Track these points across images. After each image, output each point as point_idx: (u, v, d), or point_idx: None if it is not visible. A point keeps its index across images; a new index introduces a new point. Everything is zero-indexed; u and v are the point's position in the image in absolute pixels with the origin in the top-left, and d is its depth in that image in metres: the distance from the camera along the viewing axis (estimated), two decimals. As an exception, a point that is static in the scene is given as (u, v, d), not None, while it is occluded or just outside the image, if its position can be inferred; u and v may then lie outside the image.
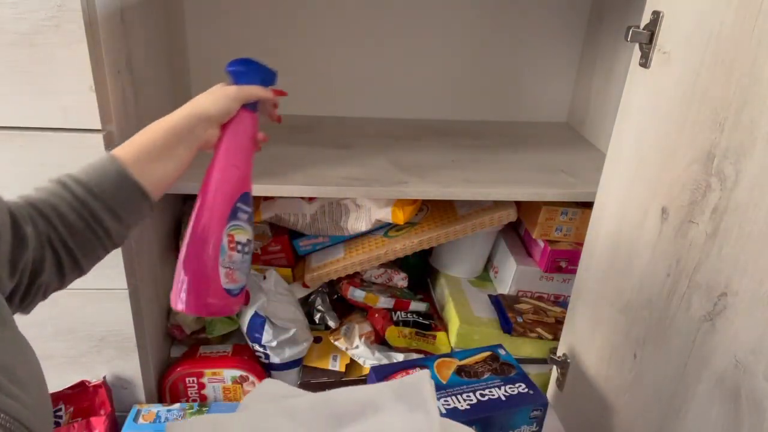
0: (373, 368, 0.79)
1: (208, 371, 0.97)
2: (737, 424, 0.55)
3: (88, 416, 0.87)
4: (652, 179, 0.69)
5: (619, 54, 1.08)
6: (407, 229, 1.07)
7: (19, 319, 0.52)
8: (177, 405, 0.91)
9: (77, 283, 0.60)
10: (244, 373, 0.97)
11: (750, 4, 0.53)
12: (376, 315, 1.05)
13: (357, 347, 0.99)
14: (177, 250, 1.05)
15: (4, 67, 0.68)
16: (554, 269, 1.07)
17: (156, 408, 0.90)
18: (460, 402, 0.72)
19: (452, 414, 0.70)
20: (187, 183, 0.74)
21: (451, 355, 0.82)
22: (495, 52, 1.23)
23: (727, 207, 0.56)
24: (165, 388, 0.97)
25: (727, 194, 0.56)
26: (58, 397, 0.88)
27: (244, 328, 0.98)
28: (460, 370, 0.78)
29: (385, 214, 1.02)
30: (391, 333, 1.03)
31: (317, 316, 1.07)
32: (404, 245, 1.04)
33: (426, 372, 0.57)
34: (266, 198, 1.07)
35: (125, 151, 0.60)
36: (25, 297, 0.52)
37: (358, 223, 1.07)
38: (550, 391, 0.97)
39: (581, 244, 0.87)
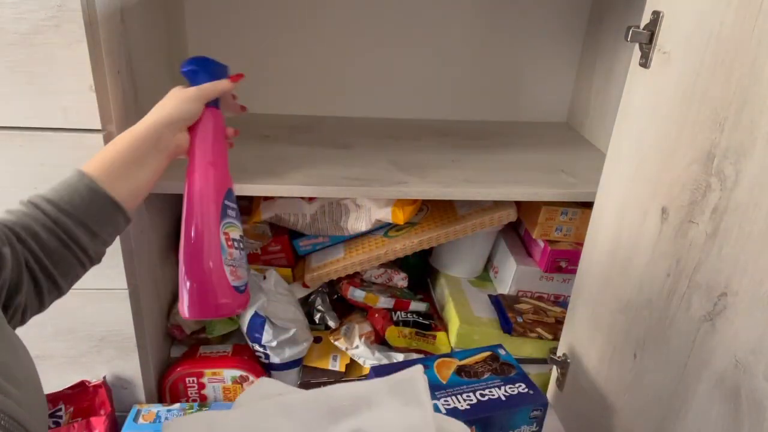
0: (373, 368, 0.79)
1: (208, 371, 0.97)
2: (737, 424, 0.55)
3: (88, 416, 0.87)
4: (652, 179, 0.69)
5: (619, 54, 1.08)
6: (407, 229, 1.07)
7: (19, 319, 0.52)
8: (177, 405, 0.91)
9: (77, 283, 0.60)
10: (244, 373, 0.97)
11: (750, 4, 0.53)
12: (376, 315, 1.05)
13: (357, 347, 0.99)
14: (177, 250, 1.04)
15: (4, 67, 0.68)
16: (554, 269, 1.07)
17: (156, 408, 0.90)
18: (460, 402, 0.72)
19: (452, 414, 0.70)
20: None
21: (451, 355, 0.82)
22: (495, 52, 1.23)
23: (727, 207, 0.56)
24: (165, 388, 0.97)
25: (727, 194, 0.56)
26: (58, 397, 0.88)
27: (244, 328, 0.98)
28: (460, 370, 0.78)
29: (385, 214, 1.02)
30: (391, 333, 1.03)
31: (317, 316, 1.07)
32: (404, 245, 1.04)
33: (419, 367, 0.57)
34: (266, 198, 1.07)
35: (93, 165, 0.59)
36: None
37: (358, 223, 1.07)
38: (550, 391, 0.97)
39: (581, 244, 0.87)
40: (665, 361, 0.66)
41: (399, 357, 0.98)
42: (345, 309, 1.11)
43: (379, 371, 0.77)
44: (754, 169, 0.53)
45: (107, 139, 0.74)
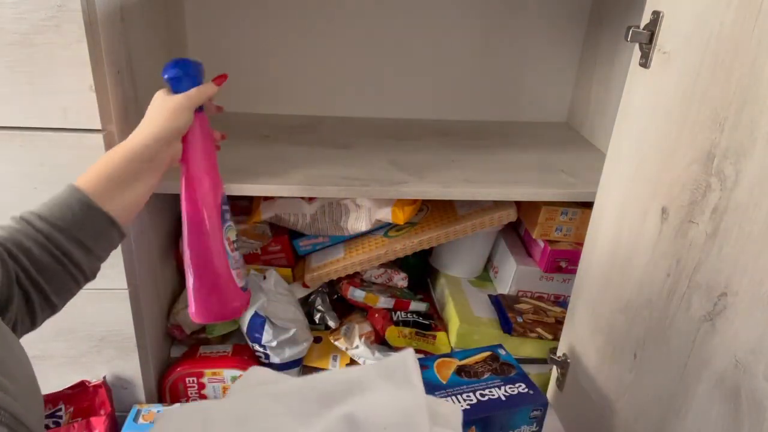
0: None
1: (208, 371, 0.97)
2: (737, 424, 0.55)
3: (88, 416, 0.87)
4: (652, 179, 0.69)
5: (619, 54, 1.08)
6: (407, 229, 1.07)
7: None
8: (177, 405, 0.91)
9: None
10: (243, 373, 0.97)
11: (750, 4, 0.53)
12: (376, 315, 1.05)
13: (357, 347, 0.99)
14: (177, 249, 1.05)
15: (4, 67, 0.68)
16: (554, 269, 1.07)
17: (156, 408, 0.90)
18: (460, 402, 0.72)
19: (452, 414, 0.70)
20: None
21: (451, 355, 0.82)
22: (495, 53, 1.23)
23: (727, 207, 0.56)
24: (165, 388, 0.97)
25: (727, 194, 0.56)
26: (58, 397, 0.88)
27: (244, 328, 0.98)
28: (460, 370, 0.78)
29: (385, 214, 1.02)
30: (391, 333, 1.03)
31: (317, 316, 1.07)
32: (404, 245, 1.04)
33: (410, 350, 0.57)
34: (266, 198, 1.07)
35: (87, 180, 0.58)
36: None
37: (358, 223, 1.07)
38: (550, 391, 0.97)
39: (581, 244, 0.87)
40: (665, 361, 0.66)
41: (399, 357, 0.98)
42: (345, 309, 1.11)
43: None
44: (754, 169, 0.53)
45: (107, 139, 0.74)
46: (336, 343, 1.01)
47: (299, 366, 1.02)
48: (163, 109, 0.66)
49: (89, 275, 0.58)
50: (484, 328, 1.03)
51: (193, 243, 0.69)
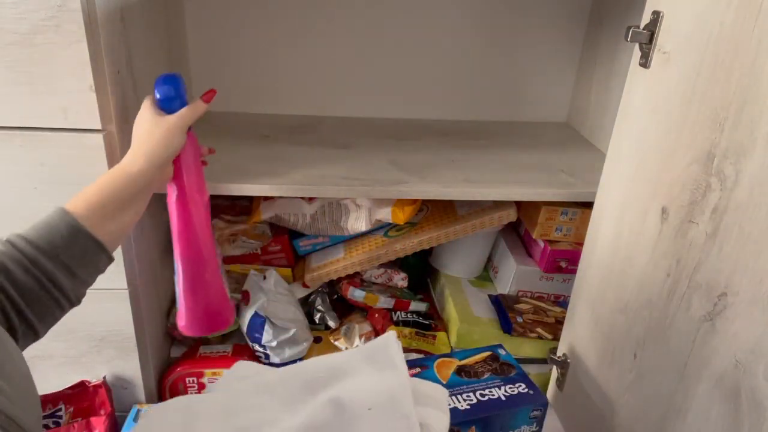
0: None
1: (208, 371, 0.96)
2: (737, 424, 0.55)
3: (88, 416, 0.87)
4: (652, 179, 0.69)
5: (619, 54, 1.08)
6: (407, 229, 1.07)
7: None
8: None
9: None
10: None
11: (750, 4, 0.53)
12: (376, 315, 1.05)
13: (357, 347, 0.99)
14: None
15: (4, 67, 0.68)
16: (554, 269, 1.07)
17: (158, 405, 0.90)
18: (460, 402, 0.72)
19: (452, 414, 0.70)
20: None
21: (451, 355, 0.82)
22: (495, 53, 1.23)
23: (727, 207, 0.56)
24: (165, 388, 0.97)
25: (727, 194, 0.56)
26: (58, 397, 0.88)
27: (244, 328, 0.98)
28: (460, 370, 0.78)
29: (385, 214, 1.02)
30: (391, 333, 1.03)
31: (317, 316, 1.07)
32: (404, 245, 1.04)
33: (392, 333, 0.57)
34: (266, 198, 1.07)
35: (78, 203, 0.57)
36: None
37: (358, 223, 1.07)
38: (550, 391, 0.97)
39: (581, 244, 0.87)
40: (665, 361, 0.66)
41: (399, 357, 0.98)
42: (345, 309, 1.11)
43: None
44: (754, 169, 0.53)
45: (107, 139, 0.74)
46: (336, 343, 1.01)
47: (299, 366, 1.02)
48: (156, 133, 0.64)
49: (74, 300, 0.57)
50: (484, 328, 1.03)
51: (188, 260, 0.69)
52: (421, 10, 1.17)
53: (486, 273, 1.20)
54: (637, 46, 0.71)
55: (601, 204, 0.82)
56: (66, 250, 0.54)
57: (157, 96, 0.68)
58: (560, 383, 0.93)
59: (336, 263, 1.07)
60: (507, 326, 1.02)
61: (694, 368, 0.61)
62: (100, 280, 0.61)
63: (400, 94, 1.25)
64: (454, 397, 0.73)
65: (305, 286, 1.09)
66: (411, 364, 0.80)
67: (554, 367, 0.95)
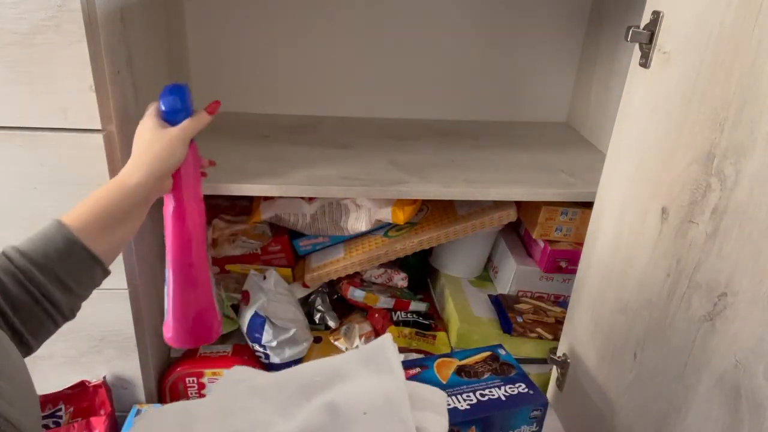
0: None
1: (208, 371, 0.96)
2: (737, 424, 0.55)
3: (88, 416, 0.87)
4: (652, 179, 0.69)
5: (619, 54, 1.08)
6: (407, 229, 1.07)
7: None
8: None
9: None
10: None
11: (750, 4, 0.53)
12: (376, 315, 1.05)
13: (357, 347, 0.99)
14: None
15: (4, 67, 0.68)
16: (554, 269, 1.07)
17: (156, 408, 0.90)
18: (460, 402, 0.72)
19: (452, 414, 0.70)
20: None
21: (451, 355, 0.82)
22: (495, 53, 1.23)
23: (727, 207, 0.56)
24: (165, 388, 0.97)
25: (727, 194, 0.56)
26: (58, 397, 0.88)
27: (244, 328, 0.98)
28: (460, 370, 0.78)
29: (385, 214, 1.02)
30: (391, 333, 1.03)
31: (317, 316, 1.07)
32: (404, 245, 1.04)
33: (388, 335, 0.57)
34: (266, 198, 1.07)
35: (75, 216, 0.56)
36: None
37: (358, 223, 1.07)
38: (550, 391, 0.97)
39: (581, 244, 0.87)
40: (665, 361, 0.66)
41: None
42: (345, 309, 1.11)
43: None
44: (754, 169, 0.53)
45: (107, 139, 0.74)
46: (336, 343, 1.01)
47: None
48: (157, 145, 0.63)
49: (68, 315, 0.56)
50: (484, 328, 1.03)
51: (180, 272, 0.68)
52: (421, 10, 1.17)
53: (486, 273, 1.20)
54: (637, 46, 0.71)
55: (601, 204, 0.82)
56: (61, 264, 0.53)
57: (162, 107, 0.66)
58: (560, 383, 0.93)
59: (336, 263, 1.07)
60: (507, 326, 1.02)
61: (694, 368, 0.61)
62: (101, 281, 0.61)
63: (400, 94, 1.25)
64: (454, 397, 0.73)
65: (305, 286, 1.09)
66: (411, 364, 0.80)
67: (554, 367, 0.95)
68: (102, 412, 0.88)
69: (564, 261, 1.06)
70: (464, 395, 0.73)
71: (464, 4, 1.18)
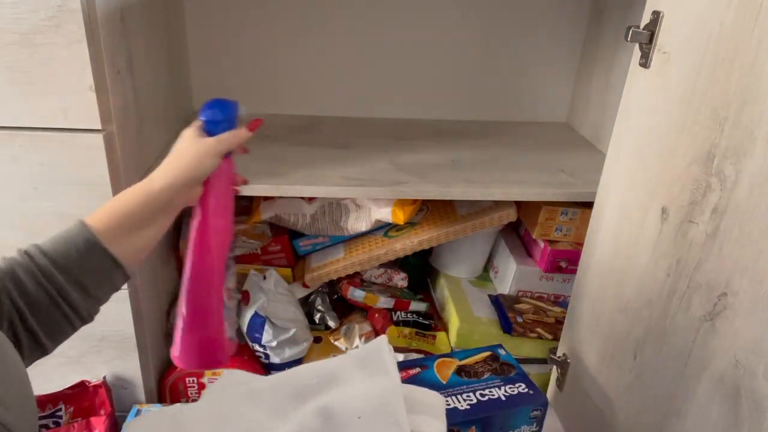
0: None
1: (208, 371, 0.96)
2: (737, 424, 0.55)
3: (88, 416, 0.87)
4: (652, 179, 0.69)
5: (619, 54, 1.08)
6: (407, 229, 1.07)
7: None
8: (177, 405, 0.91)
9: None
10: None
11: (750, 4, 0.53)
12: (376, 315, 1.05)
13: (357, 347, 0.99)
14: (177, 249, 1.05)
15: (4, 67, 0.68)
16: (554, 269, 1.07)
17: (156, 408, 0.90)
18: (460, 402, 0.72)
19: (452, 414, 0.70)
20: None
21: (451, 355, 0.82)
22: (495, 53, 1.23)
23: (727, 207, 0.56)
24: (165, 388, 0.97)
25: (727, 194, 0.56)
26: (58, 397, 0.88)
27: (244, 328, 0.98)
28: (460, 370, 0.78)
29: (385, 214, 1.02)
30: (391, 333, 1.03)
31: (317, 316, 1.07)
32: (404, 245, 1.04)
33: (383, 337, 0.56)
34: (266, 198, 1.07)
35: (99, 218, 0.55)
36: None
37: (358, 223, 1.07)
38: (550, 391, 0.97)
39: (581, 244, 0.87)
40: (665, 361, 0.66)
41: (399, 357, 0.98)
42: (345, 309, 1.11)
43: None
44: (754, 169, 0.53)
45: (107, 139, 0.74)
46: (336, 343, 1.01)
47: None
48: (191, 153, 0.62)
49: (86, 318, 0.55)
50: (484, 328, 1.03)
51: (192, 291, 0.65)
52: (421, 10, 1.17)
53: (486, 273, 1.20)
54: (637, 46, 0.71)
55: (601, 204, 0.82)
56: (81, 265, 0.53)
57: (202, 117, 0.65)
58: (560, 383, 0.93)
59: (336, 263, 1.07)
60: (507, 326, 1.02)
61: (694, 368, 0.61)
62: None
63: (400, 94, 1.25)
64: (454, 397, 0.73)
65: (305, 286, 1.09)
66: (411, 364, 0.80)
67: (554, 367, 0.95)
68: (102, 412, 0.88)
69: (564, 261, 1.06)
70: (464, 395, 0.73)
71: (464, 4, 1.18)
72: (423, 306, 1.10)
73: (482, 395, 0.74)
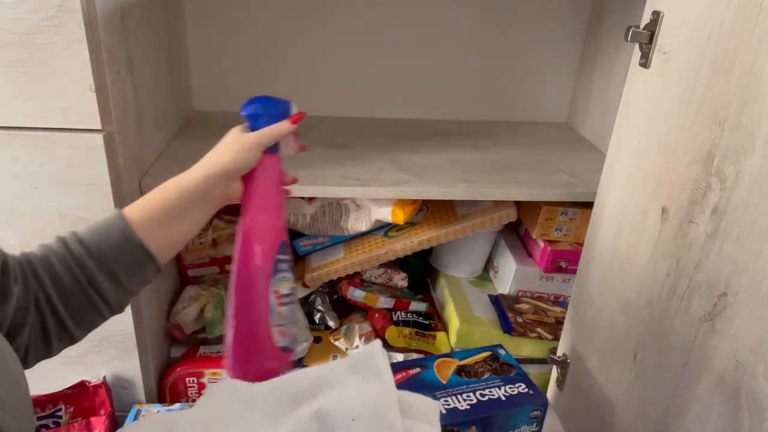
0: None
1: (208, 371, 0.97)
2: (737, 424, 0.55)
3: (88, 416, 0.87)
4: (652, 179, 0.69)
5: (619, 54, 1.08)
6: (407, 229, 1.07)
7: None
8: (177, 405, 0.91)
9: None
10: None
11: (750, 4, 0.53)
12: (376, 315, 1.05)
13: (357, 347, 0.99)
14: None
15: (4, 67, 0.69)
16: (554, 269, 1.07)
17: (156, 408, 0.90)
18: (460, 402, 0.72)
19: (452, 414, 0.70)
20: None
21: (451, 355, 0.82)
22: (495, 53, 1.23)
23: (727, 207, 0.56)
24: (165, 388, 0.97)
25: (727, 194, 0.56)
26: (58, 397, 0.88)
27: (244, 328, 0.98)
28: (460, 370, 0.78)
29: (385, 214, 1.02)
30: (391, 333, 1.03)
31: (317, 316, 1.07)
32: (404, 245, 1.04)
33: (377, 342, 0.56)
34: (266, 198, 1.07)
35: (136, 209, 0.55)
36: None
37: (358, 223, 1.07)
38: (550, 391, 0.97)
39: (581, 244, 0.87)
40: (665, 361, 0.66)
41: (399, 357, 0.98)
42: (345, 309, 1.11)
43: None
44: (754, 169, 0.53)
45: (107, 139, 0.74)
46: (336, 343, 1.01)
47: (299, 366, 1.02)
48: (232, 146, 0.61)
49: (116, 308, 0.55)
50: (484, 328, 1.03)
51: (236, 291, 0.62)
52: (421, 10, 1.17)
53: (486, 273, 1.20)
54: (637, 46, 0.71)
55: (601, 204, 0.82)
56: (114, 256, 0.53)
57: (243, 112, 0.64)
58: (560, 383, 0.93)
59: (336, 263, 1.07)
60: (507, 326, 1.02)
61: (694, 368, 0.61)
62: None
63: (400, 94, 1.25)
64: (454, 397, 0.73)
65: (305, 286, 1.09)
66: (411, 364, 0.80)
67: (554, 367, 0.95)
68: (102, 412, 0.88)
69: (564, 261, 1.06)
70: (464, 395, 0.73)
71: (464, 4, 1.18)
72: (423, 306, 1.10)
73: (482, 395, 0.74)
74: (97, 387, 0.89)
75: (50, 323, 0.50)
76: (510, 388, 0.76)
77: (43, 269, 0.50)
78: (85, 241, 0.52)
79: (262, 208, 0.64)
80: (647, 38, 0.68)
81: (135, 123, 0.83)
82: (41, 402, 0.87)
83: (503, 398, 0.74)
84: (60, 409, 0.88)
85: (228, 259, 1.10)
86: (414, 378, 0.76)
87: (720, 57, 0.57)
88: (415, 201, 1.01)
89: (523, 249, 1.14)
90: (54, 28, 0.67)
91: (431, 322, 1.09)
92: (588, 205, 0.90)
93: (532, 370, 0.91)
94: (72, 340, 0.53)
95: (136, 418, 0.88)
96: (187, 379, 0.96)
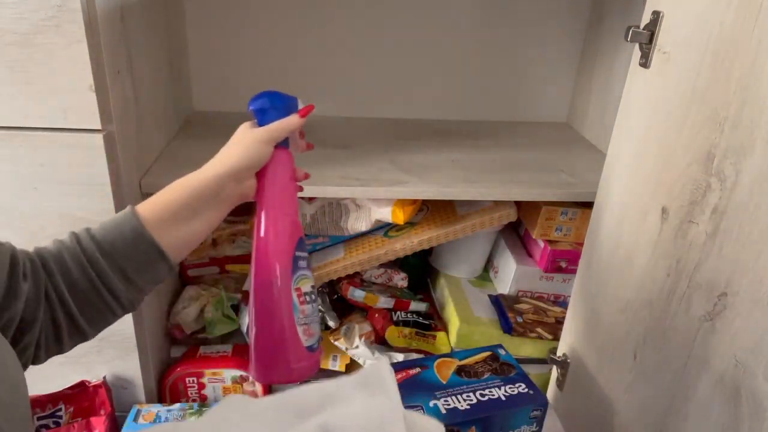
0: None
1: (208, 371, 0.97)
2: (737, 424, 0.55)
3: (88, 416, 0.87)
4: (652, 179, 0.69)
5: (619, 54, 1.08)
6: (407, 229, 1.07)
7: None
8: (177, 405, 0.91)
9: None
10: (244, 374, 0.97)
11: (750, 4, 0.53)
12: (376, 315, 1.05)
13: (357, 347, 0.99)
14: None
15: (4, 67, 0.68)
16: (554, 269, 1.07)
17: (156, 408, 0.90)
18: (460, 402, 0.72)
19: (452, 414, 0.70)
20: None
21: (451, 355, 0.82)
22: (495, 52, 1.23)
23: (727, 207, 0.56)
24: (165, 388, 0.97)
25: (727, 194, 0.56)
26: (58, 397, 0.88)
27: (244, 328, 0.98)
28: (460, 370, 0.78)
29: (385, 214, 1.02)
30: (391, 333, 1.03)
31: (317, 316, 1.07)
32: (404, 245, 1.04)
33: (385, 359, 0.56)
34: (266, 198, 1.07)
35: (148, 207, 0.55)
36: None
37: (358, 223, 1.07)
38: (550, 391, 0.97)
39: (581, 244, 0.87)
40: (665, 361, 0.66)
41: (399, 357, 0.98)
42: (345, 309, 1.11)
43: None
44: (754, 169, 0.53)
45: (107, 139, 0.74)
46: (336, 343, 1.01)
47: (299, 366, 1.02)
48: (243, 143, 0.61)
49: (128, 306, 0.54)
50: (484, 328, 1.03)
51: (256, 291, 0.61)
52: (421, 10, 1.17)
53: (486, 273, 1.20)
54: (637, 46, 0.71)
55: (601, 204, 0.82)
56: (125, 254, 0.52)
57: (250, 107, 0.64)
58: (560, 383, 0.93)
59: (336, 263, 1.07)
60: (507, 326, 1.02)
61: (694, 368, 0.61)
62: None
63: (400, 94, 1.25)
64: (454, 397, 0.73)
65: (305, 286, 1.09)
66: (411, 364, 0.80)
67: (554, 367, 0.95)
68: (102, 412, 0.88)
69: (564, 261, 1.06)
70: (464, 395, 0.73)
71: (464, 4, 1.18)
72: (423, 306, 1.10)
73: (482, 395, 0.74)
74: (97, 387, 0.89)
75: (61, 319, 0.50)
76: (510, 388, 0.76)
77: (54, 264, 0.50)
78: (96, 238, 0.52)
79: (275, 203, 0.62)
80: (647, 38, 0.68)
81: (135, 123, 0.83)
82: (41, 402, 0.87)
83: (503, 398, 0.74)
84: (60, 409, 0.88)
85: (228, 259, 1.10)
86: (414, 378, 0.76)
87: (720, 57, 0.57)
88: (415, 201, 1.01)
89: (523, 249, 1.14)
90: (54, 28, 0.67)
91: (431, 322, 1.09)
92: (588, 205, 0.90)
93: (532, 370, 0.91)
94: (84, 336, 0.53)
95: (136, 418, 0.88)
96: (187, 379, 0.97)
